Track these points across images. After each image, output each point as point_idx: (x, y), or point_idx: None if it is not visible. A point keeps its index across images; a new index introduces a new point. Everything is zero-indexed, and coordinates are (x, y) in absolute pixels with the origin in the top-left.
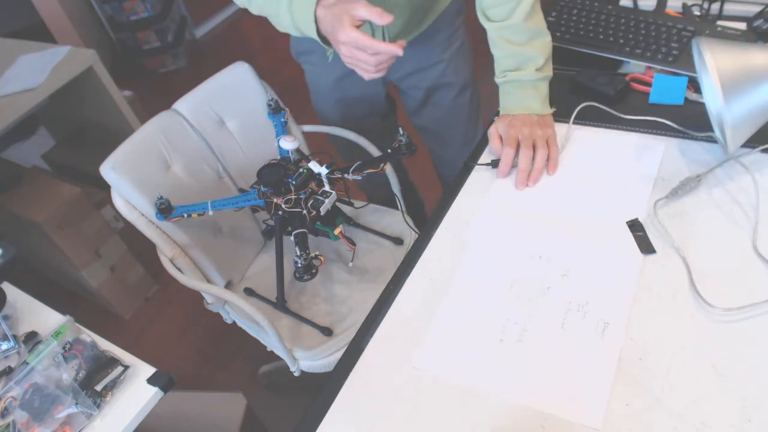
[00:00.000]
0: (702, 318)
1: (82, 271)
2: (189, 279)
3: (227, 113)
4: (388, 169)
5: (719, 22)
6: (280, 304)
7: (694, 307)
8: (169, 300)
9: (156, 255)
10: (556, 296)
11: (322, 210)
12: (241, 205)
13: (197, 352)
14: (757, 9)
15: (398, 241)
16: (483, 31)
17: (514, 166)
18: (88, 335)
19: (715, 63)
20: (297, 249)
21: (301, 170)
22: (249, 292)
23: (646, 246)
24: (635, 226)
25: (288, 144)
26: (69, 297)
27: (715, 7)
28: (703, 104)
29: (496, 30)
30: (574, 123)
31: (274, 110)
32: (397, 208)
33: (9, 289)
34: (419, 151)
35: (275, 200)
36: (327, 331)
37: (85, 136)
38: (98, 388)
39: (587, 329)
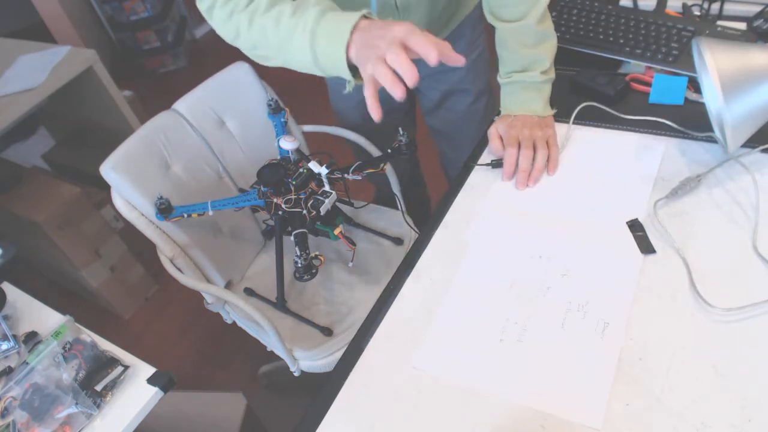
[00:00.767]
0: (702, 318)
1: (82, 271)
2: (189, 279)
3: (227, 113)
4: (388, 168)
5: (719, 22)
6: (280, 304)
7: (694, 307)
8: (169, 300)
9: (156, 255)
10: (556, 296)
11: (322, 210)
12: (241, 205)
13: (197, 352)
14: (757, 9)
15: (398, 241)
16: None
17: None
18: (88, 335)
19: (715, 63)
20: (297, 249)
21: (301, 170)
22: (249, 292)
23: (646, 246)
24: (635, 226)
25: (288, 144)
26: (69, 297)
27: (715, 7)
28: (703, 104)
29: (507, 30)
30: (574, 123)
31: (274, 110)
32: (398, 208)
33: (9, 289)
34: (429, 149)
35: (275, 200)
36: (327, 331)
37: (85, 136)
38: (98, 388)
39: (587, 329)
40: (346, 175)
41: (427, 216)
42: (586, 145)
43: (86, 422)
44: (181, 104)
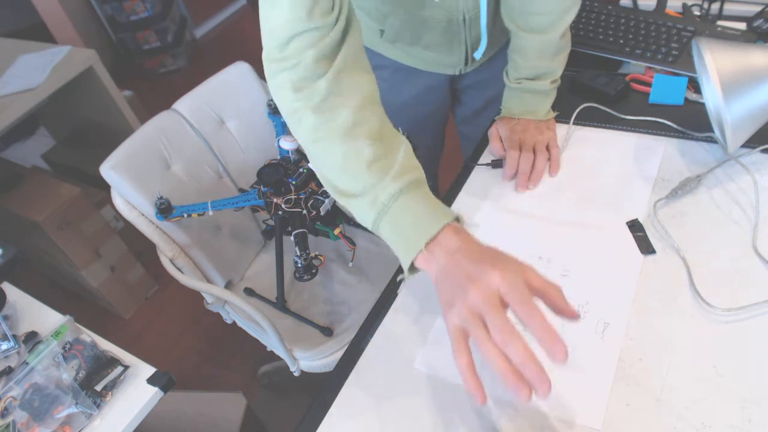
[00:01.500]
0: (702, 318)
1: (82, 271)
2: (189, 279)
3: (227, 113)
4: None
5: (719, 22)
6: (280, 304)
7: (694, 307)
8: (169, 300)
9: (156, 255)
10: None
11: (322, 210)
12: (241, 205)
13: (197, 352)
14: (757, 9)
15: None
16: None
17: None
18: (88, 335)
19: (715, 63)
20: (297, 249)
21: (301, 170)
22: (249, 292)
23: (646, 246)
24: (635, 227)
25: (288, 144)
26: (69, 297)
27: (715, 7)
28: (703, 104)
29: (529, 40)
30: (574, 123)
31: (274, 110)
32: None
33: (9, 289)
34: (447, 152)
35: (275, 200)
36: (327, 331)
37: (85, 136)
38: (98, 388)
39: (587, 329)
40: None
41: None
42: (586, 146)
43: (86, 422)
44: (181, 104)
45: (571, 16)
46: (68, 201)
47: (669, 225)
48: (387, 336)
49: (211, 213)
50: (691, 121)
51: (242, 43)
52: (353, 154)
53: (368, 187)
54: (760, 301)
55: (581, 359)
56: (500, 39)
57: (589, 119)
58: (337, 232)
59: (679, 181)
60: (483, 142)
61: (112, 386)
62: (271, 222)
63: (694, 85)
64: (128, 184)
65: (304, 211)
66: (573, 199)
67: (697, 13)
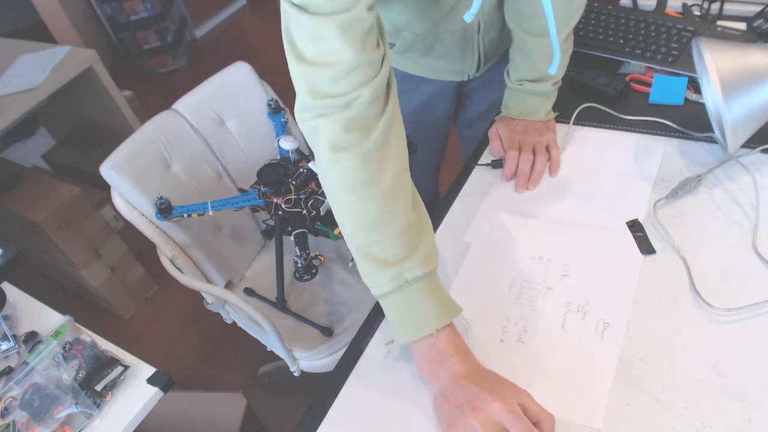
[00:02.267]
0: (702, 318)
1: (82, 271)
2: (189, 279)
3: (227, 113)
4: None
5: (719, 22)
6: (280, 304)
7: (694, 307)
8: (169, 300)
9: (156, 255)
10: (556, 296)
11: (322, 210)
12: (241, 205)
13: (197, 352)
14: (757, 9)
15: None
16: None
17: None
18: (88, 335)
19: (715, 63)
20: (297, 249)
21: (301, 170)
22: (249, 292)
23: (646, 246)
24: (635, 227)
25: (288, 144)
26: (69, 297)
27: (715, 7)
28: (703, 104)
29: (533, 43)
30: (574, 123)
31: (274, 110)
32: None
33: (9, 289)
34: (450, 155)
35: (275, 200)
36: (327, 331)
37: (85, 136)
38: (98, 388)
39: (587, 329)
40: None
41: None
42: (586, 146)
43: (86, 422)
44: (181, 104)
45: (575, 20)
46: (68, 201)
47: (669, 225)
48: (387, 336)
49: (211, 213)
50: (691, 121)
51: (242, 43)
52: (388, 217)
53: (395, 260)
54: (760, 301)
55: (581, 359)
56: (507, 41)
57: (589, 119)
58: (337, 232)
59: (679, 181)
60: (483, 142)
61: (112, 386)
62: (271, 222)
63: (694, 85)
64: (128, 184)
65: (304, 211)
66: (573, 199)
67: (697, 13)
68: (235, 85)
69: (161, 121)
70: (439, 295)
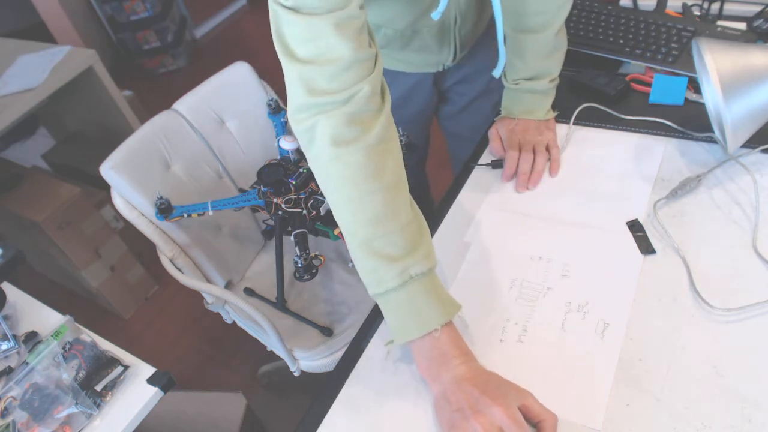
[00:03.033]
0: (702, 318)
1: (82, 271)
2: (189, 279)
3: (227, 113)
4: None
5: (719, 22)
6: (280, 304)
7: (694, 307)
8: (169, 300)
9: (156, 255)
10: (556, 296)
11: (322, 210)
12: (241, 205)
13: (197, 352)
14: (757, 9)
15: None
16: None
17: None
18: (88, 335)
19: (714, 63)
20: (297, 249)
21: (301, 170)
22: (249, 292)
23: (646, 246)
24: (635, 227)
25: (288, 144)
26: (69, 297)
27: (715, 7)
28: (703, 104)
29: (524, 41)
30: (574, 123)
31: (274, 110)
32: None
33: (9, 289)
34: (432, 152)
35: (275, 200)
36: (327, 331)
37: (85, 136)
38: (98, 388)
39: (587, 329)
40: None
41: (428, 217)
42: (587, 146)
43: (86, 422)
44: (181, 104)
45: (564, 14)
46: (68, 201)
47: (669, 225)
48: (387, 336)
49: (211, 213)
50: (691, 121)
51: (242, 43)
52: (392, 211)
53: (400, 255)
54: (760, 301)
55: (581, 359)
56: (481, 30)
57: (589, 119)
58: (337, 232)
59: (679, 181)
60: (483, 142)
61: (112, 386)
62: (271, 222)
63: (694, 85)
64: (128, 184)
65: (304, 211)
66: (573, 199)
67: (697, 13)
68: (235, 85)
69: (161, 121)
70: (440, 292)
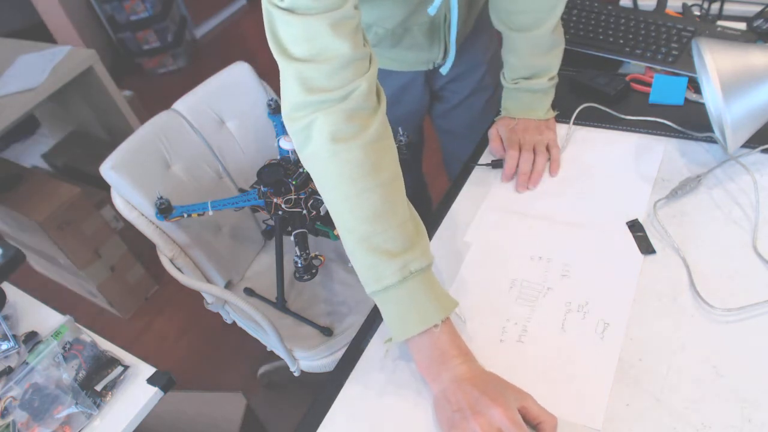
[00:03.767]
0: (702, 318)
1: (82, 271)
2: (189, 279)
3: (227, 113)
4: None
5: (719, 22)
6: (280, 304)
7: (694, 307)
8: (169, 300)
9: (156, 255)
10: (556, 297)
11: (322, 210)
12: (241, 205)
13: (197, 352)
14: (757, 9)
15: None
16: None
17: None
18: (88, 335)
19: (714, 63)
20: (297, 249)
21: (301, 170)
22: (249, 292)
23: (646, 246)
24: (635, 227)
25: (288, 144)
26: (69, 297)
27: (715, 7)
28: (703, 104)
29: (520, 39)
30: (574, 123)
31: (274, 110)
32: None
33: (9, 289)
34: (427, 149)
35: (275, 200)
36: (327, 331)
37: (85, 136)
38: (98, 388)
39: (587, 329)
40: None
41: (427, 216)
42: (587, 146)
43: (86, 422)
44: (181, 104)
45: (559, 11)
46: (68, 201)
47: (669, 225)
48: (386, 336)
49: (211, 213)
50: (691, 121)
51: (242, 43)
52: (391, 207)
53: (399, 251)
54: (760, 301)
55: (581, 359)
56: (470, 27)
57: (589, 119)
58: (336, 232)
59: (679, 181)
60: (483, 142)
61: (112, 386)
62: (271, 222)
63: (694, 85)
64: (128, 184)
65: (304, 211)
66: (573, 199)
67: (697, 13)
68: (235, 85)
69: (161, 121)
70: (437, 288)
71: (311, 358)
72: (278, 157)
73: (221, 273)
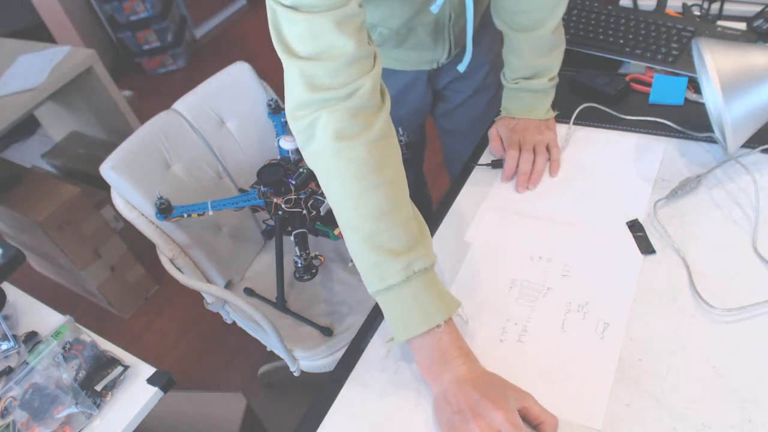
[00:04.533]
0: (702, 318)
1: (82, 271)
2: (189, 279)
3: (227, 113)
4: None
5: (719, 22)
6: (280, 304)
7: (694, 307)
8: (169, 300)
9: (156, 255)
10: (556, 297)
11: (322, 210)
12: (241, 205)
13: (197, 352)
14: (757, 9)
15: None
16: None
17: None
18: (88, 335)
19: (714, 63)
20: (297, 249)
21: (301, 170)
22: (249, 292)
23: (646, 246)
24: (635, 227)
25: (288, 144)
26: (69, 297)
27: (715, 7)
28: (703, 104)
29: (521, 40)
30: (574, 123)
31: (274, 110)
32: None
33: (9, 289)
34: (432, 152)
35: (275, 200)
36: (327, 331)
37: (85, 136)
38: (98, 388)
39: (587, 329)
40: None
41: (427, 216)
42: (586, 146)
43: (86, 422)
44: (181, 104)
45: (560, 11)
46: (68, 201)
47: (669, 225)
48: (387, 336)
49: (211, 213)
50: (691, 121)
51: (242, 43)
52: (395, 205)
53: (403, 249)
54: (760, 301)
55: (581, 359)
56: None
57: (589, 119)
58: (337, 232)
59: (679, 181)
60: (483, 142)
61: (112, 386)
62: (271, 222)
63: (694, 85)
64: (128, 184)
65: (304, 211)
66: (573, 199)
67: (697, 13)
68: (235, 85)
69: (161, 121)
70: (440, 288)
71: (311, 358)
72: (278, 157)
73: (221, 273)
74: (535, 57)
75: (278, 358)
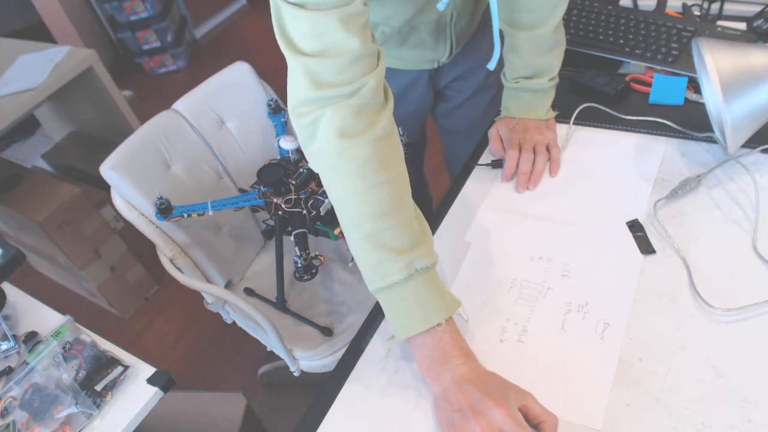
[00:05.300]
0: (702, 318)
1: (82, 271)
2: (189, 279)
3: (227, 113)
4: None
5: (719, 22)
6: (280, 304)
7: (694, 307)
8: (169, 300)
9: (156, 255)
10: (556, 297)
11: (322, 210)
12: (241, 205)
13: (197, 352)
14: (757, 9)
15: None
16: None
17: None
18: (88, 335)
19: (714, 63)
20: (297, 249)
21: (301, 170)
22: (249, 292)
23: (646, 246)
24: (635, 227)
25: (288, 144)
26: (69, 297)
27: (715, 7)
28: (703, 104)
29: (521, 38)
30: (574, 123)
31: (274, 110)
32: None
33: (9, 289)
34: (432, 151)
35: (275, 200)
36: (327, 331)
37: (85, 136)
38: (98, 388)
39: (587, 329)
40: None
41: (427, 216)
42: (587, 146)
43: (86, 422)
44: (181, 104)
45: (561, 11)
46: (68, 201)
47: (669, 225)
48: (387, 335)
49: (211, 213)
50: (691, 121)
51: (242, 43)
52: (398, 204)
53: (406, 248)
54: (760, 301)
55: (581, 359)
56: (475, 27)
57: (589, 119)
58: (337, 232)
59: (679, 181)
60: (483, 142)
61: (112, 386)
62: (271, 222)
63: (694, 85)
64: (128, 184)
65: (304, 211)
66: (573, 199)
67: (697, 13)
68: (235, 85)
69: (161, 121)
70: (441, 287)
71: (311, 358)
72: (278, 157)
73: (221, 273)
74: (535, 56)
75: (278, 358)
